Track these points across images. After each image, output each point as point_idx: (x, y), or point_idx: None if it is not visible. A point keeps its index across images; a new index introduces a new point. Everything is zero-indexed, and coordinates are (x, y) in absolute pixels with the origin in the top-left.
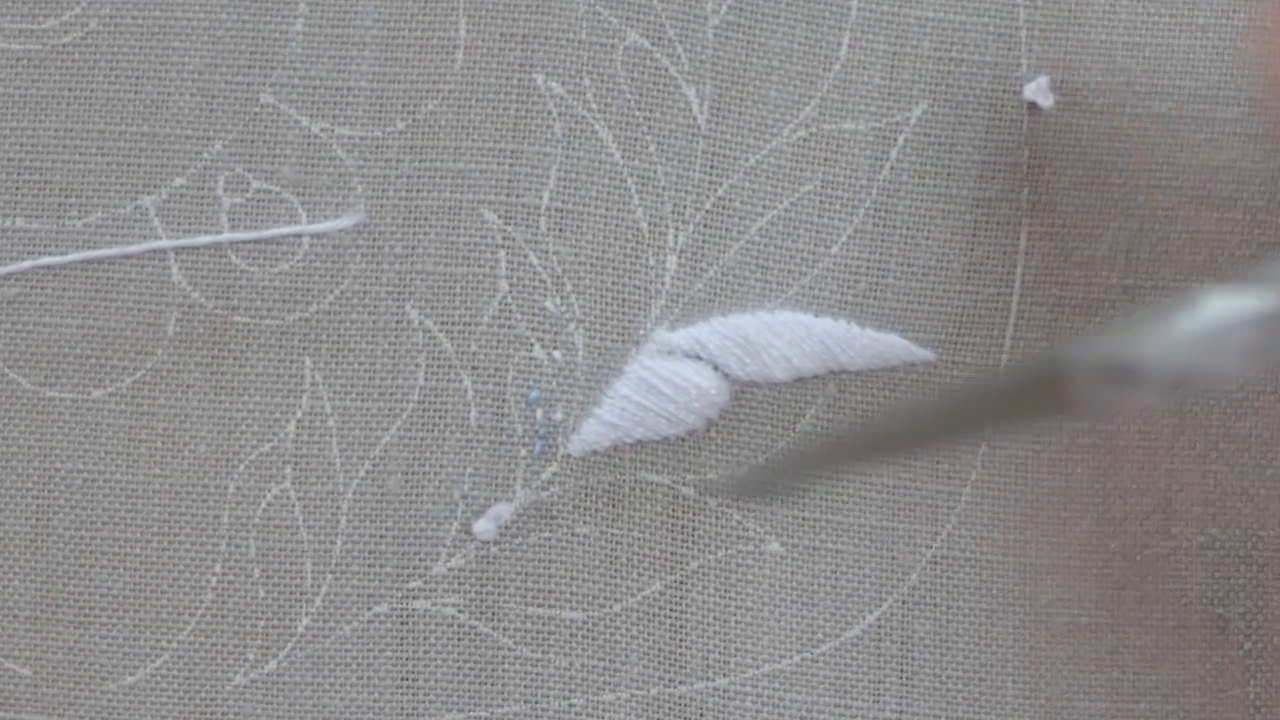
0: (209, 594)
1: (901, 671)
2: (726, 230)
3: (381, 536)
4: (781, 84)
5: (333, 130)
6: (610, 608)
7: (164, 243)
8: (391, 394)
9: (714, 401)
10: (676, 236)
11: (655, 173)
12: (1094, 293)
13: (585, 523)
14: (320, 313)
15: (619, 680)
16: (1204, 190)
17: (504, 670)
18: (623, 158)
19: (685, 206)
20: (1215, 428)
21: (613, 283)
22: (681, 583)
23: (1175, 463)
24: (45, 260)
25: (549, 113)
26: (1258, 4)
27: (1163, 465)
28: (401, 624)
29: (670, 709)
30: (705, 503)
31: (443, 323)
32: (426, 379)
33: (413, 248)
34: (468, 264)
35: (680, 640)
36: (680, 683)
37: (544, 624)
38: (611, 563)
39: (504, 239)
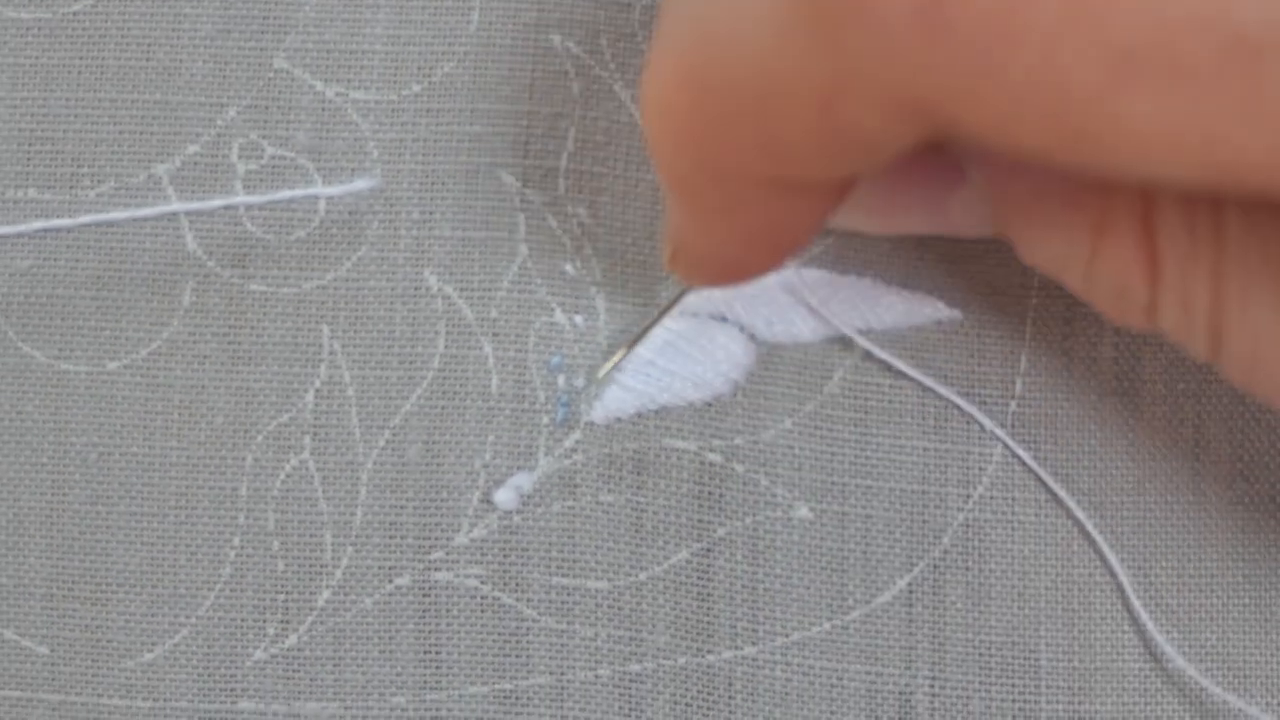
0: (227, 568)
1: (934, 637)
2: None
3: (402, 507)
4: None
5: (347, 94)
6: (636, 577)
7: (175, 205)
8: (411, 362)
9: (740, 363)
10: None
11: None
12: None
13: (609, 491)
14: (338, 280)
15: (645, 650)
16: None
17: (528, 642)
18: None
19: None
20: None
21: (633, 245)
22: (708, 550)
23: (1202, 418)
24: (55, 223)
25: (566, 73)
26: (651, 50)
27: (1190, 421)
28: (423, 596)
29: (698, 679)
30: (732, 469)
31: (462, 288)
32: (446, 346)
33: (430, 213)
34: (486, 228)
35: (708, 609)
36: (708, 652)
37: (568, 594)
38: (637, 531)
39: (522, 202)
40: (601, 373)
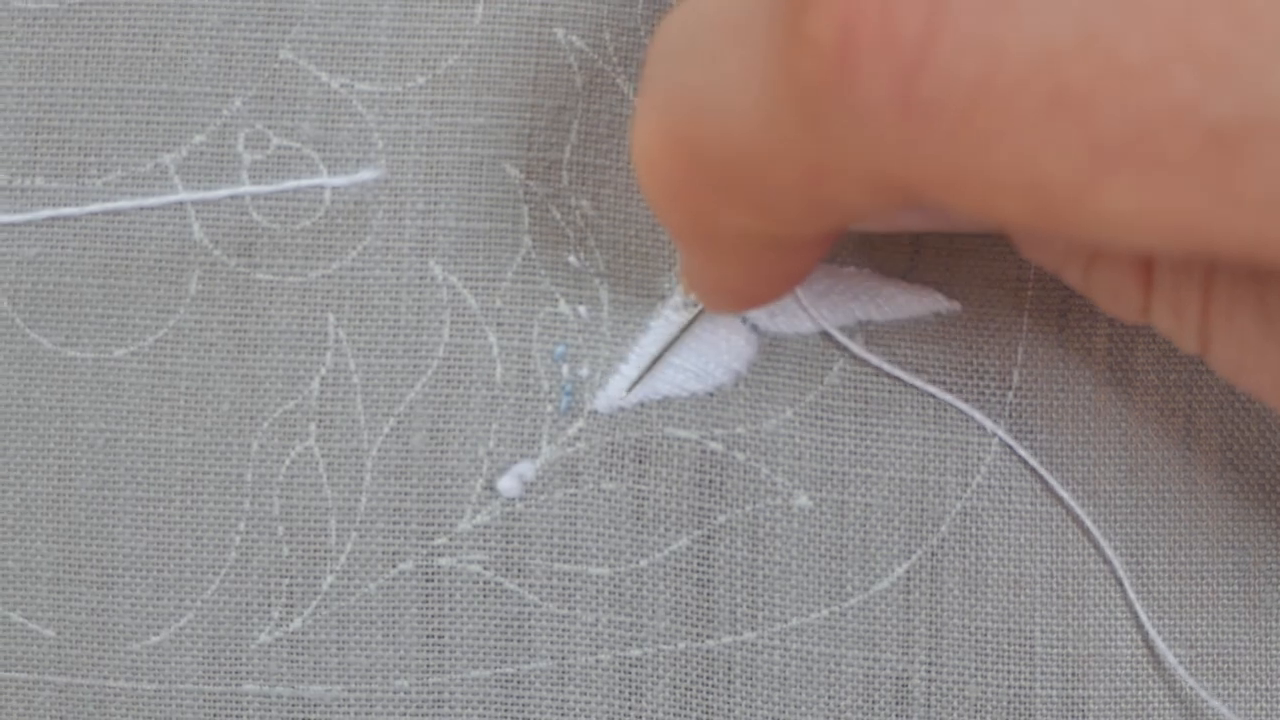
0: (233, 552)
1: (930, 624)
2: None
3: (406, 494)
4: None
5: (353, 86)
6: (637, 563)
7: (182, 195)
8: (416, 350)
9: (742, 355)
10: None
11: None
12: None
13: (611, 479)
14: (343, 269)
15: (646, 636)
16: None
17: (530, 627)
18: None
19: None
20: None
21: (636, 236)
22: (709, 537)
23: (1193, 408)
24: (63, 211)
25: (570, 66)
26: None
27: (1181, 410)
28: (426, 581)
29: (698, 663)
30: (733, 457)
31: (466, 278)
32: (451, 335)
33: (435, 203)
34: (490, 219)
35: (708, 595)
36: (708, 637)
37: (570, 580)
38: (638, 518)
39: (526, 194)
40: (629, 387)
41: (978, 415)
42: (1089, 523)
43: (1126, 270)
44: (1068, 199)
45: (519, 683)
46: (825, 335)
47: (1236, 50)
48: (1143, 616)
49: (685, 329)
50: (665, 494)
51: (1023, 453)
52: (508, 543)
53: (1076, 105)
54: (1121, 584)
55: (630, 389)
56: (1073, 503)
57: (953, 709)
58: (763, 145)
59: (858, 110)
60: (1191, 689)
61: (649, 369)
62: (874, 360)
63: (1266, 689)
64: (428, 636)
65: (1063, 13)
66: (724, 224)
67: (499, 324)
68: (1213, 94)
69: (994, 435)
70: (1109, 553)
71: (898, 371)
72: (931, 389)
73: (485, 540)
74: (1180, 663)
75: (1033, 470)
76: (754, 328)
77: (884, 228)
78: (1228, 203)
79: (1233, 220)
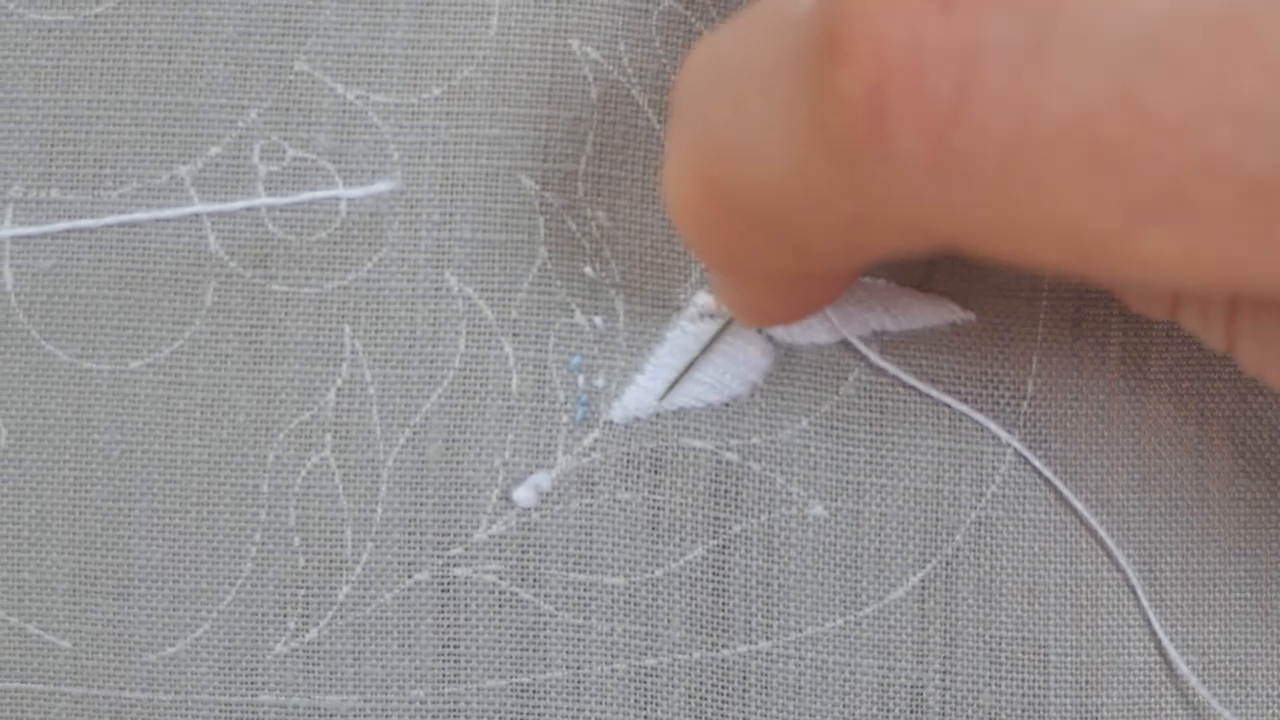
0: (249, 563)
1: (945, 633)
2: None
3: (422, 504)
4: None
5: (368, 97)
6: (652, 573)
7: (198, 207)
8: (432, 361)
9: (758, 365)
10: None
11: None
12: None
13: (627, 489)
14: (359, 280)
15: (661, 645)
16: None
17: (545, 636)
18: (659, 122)
19: None
20: (1246, 378)
21: (651, 247)
22: (724, 547)
23: (1205, 417)
24: (81, 223)
25: (585, 78)
26: (669, 141)
27: (1193, 419)
28: (442, 591)
29: (713, 673)
30: (749, 467)
31: (482, 289)
32: (467, 346)
33: (450, 215)
34: (506, 230)
35: (723, 604)
36: (723, 646)
37: (585, 590)
38: (653, 528)
39: (542, 205)
40: (660, 397)
41: (992, 425)
42: (1103, 533)
43: (1209, 311)
44: (1105, 248)
45: (534, 692)
46: (841, 345)
47: (1272, 103)
48: (1156, 624)
49: (715, 338)
50: (681, 504)
51: (1036, 463)
52: (523, 553)
53: (1113, 160)
54: (1135, 592)
55: (662, 398)
56: (1086, 512)
57: (967, 718)
58: (795, 192)
59: (891, 165)
60: (1204, 699)
61: (679, 380)
62: (892, 370)
63: (1279, 697)
64: (443, 646)
65: (1096, 68)
66: (757, 260)
67: (515, 335)
68: (1250, 146)
69: (1008, 446)
70: (1122, 562)
71: (915, 381)
72: (947, 399)
73: (501, 550)
74: (1193, 670)
75: (1046, 480)
76: (770, 339)
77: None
78: (1269, 250)
79: (1269, 268)
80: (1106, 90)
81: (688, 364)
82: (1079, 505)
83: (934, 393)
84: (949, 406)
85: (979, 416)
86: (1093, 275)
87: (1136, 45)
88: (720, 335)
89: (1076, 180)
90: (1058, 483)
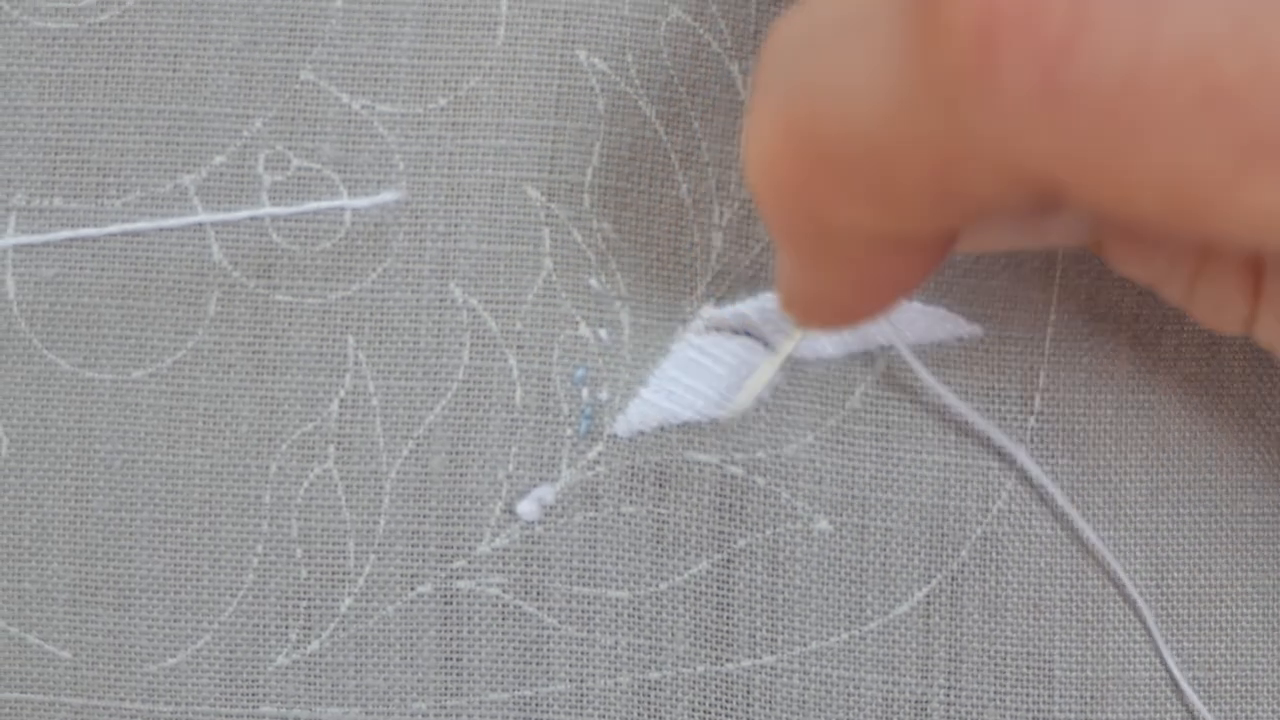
0: (250, 574)
1: (950, 648)
2: None
3: (425, 516)
4: None
5: (373, 107)
6: (656, 586)
7: (202, 216)
8: (436, 373)
9: (764, 380)
10: (721, 213)
11: (699, 149)
12: None
13: (631, 502)
14: (363, 291)
15: (665, 659)
16: None
17: (549, 650)
18: (666, 134)
19: (729, 183)
20: (1253, 394)
21: (657, 260)
22: (729, 561)
23: (1215, 432)
24: (82, 232)
25: (592, 89)
26: (749, 114)
27: (1203, 434)
28: (445, 604)
29: (717, 687)
30: (754, 481)
31: (487, 301)
32: (471, 358)
33: (455, 225)
34: (511, 242)
35: (727, 619)
36: (727, 660)
37: (589, 603)
38: (658, 542)
39: (547, 216)
40: (726, 413)
41: (999, 434)
42: (1103, 549)
43: (1234, 281)
44: (1212, 195)
45: (537, 705)
46: (848, 359)
47: None
48: (1159, 639)
49: (785, 353)
50: (685, 518)
51: (1044, 478)
52: (527, 566)
53: (1229, 100)
54: (1134, 606)
55: (737, 411)
56: (1091, 534)
57: None
58: (892, 134)
59: (997, 99)
60: (1209, 707)
61: (744, 402)
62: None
63: None
64: (446, 659)
65: (1214, 4)
66: (842, 222)
67: (519, 347)
68: None
69: (1014, 461)
70: (1122, 577)
71: (934, 382)
72: (963, 407)
73: (504, 563)
74: (1199, 685)
75: (1051, 500)
76: (775, 353)
77: (976, 249)
78: None
79: None
80: (1224, 28)
81: (756, 388)
82: (1087, 529)
83: (952, 398)
84: (958, 419)
85: (993, 430)
86: (1188, 230)
87: None
88: (786, 355)
89: (1190, 119)
90: (1063, 500)
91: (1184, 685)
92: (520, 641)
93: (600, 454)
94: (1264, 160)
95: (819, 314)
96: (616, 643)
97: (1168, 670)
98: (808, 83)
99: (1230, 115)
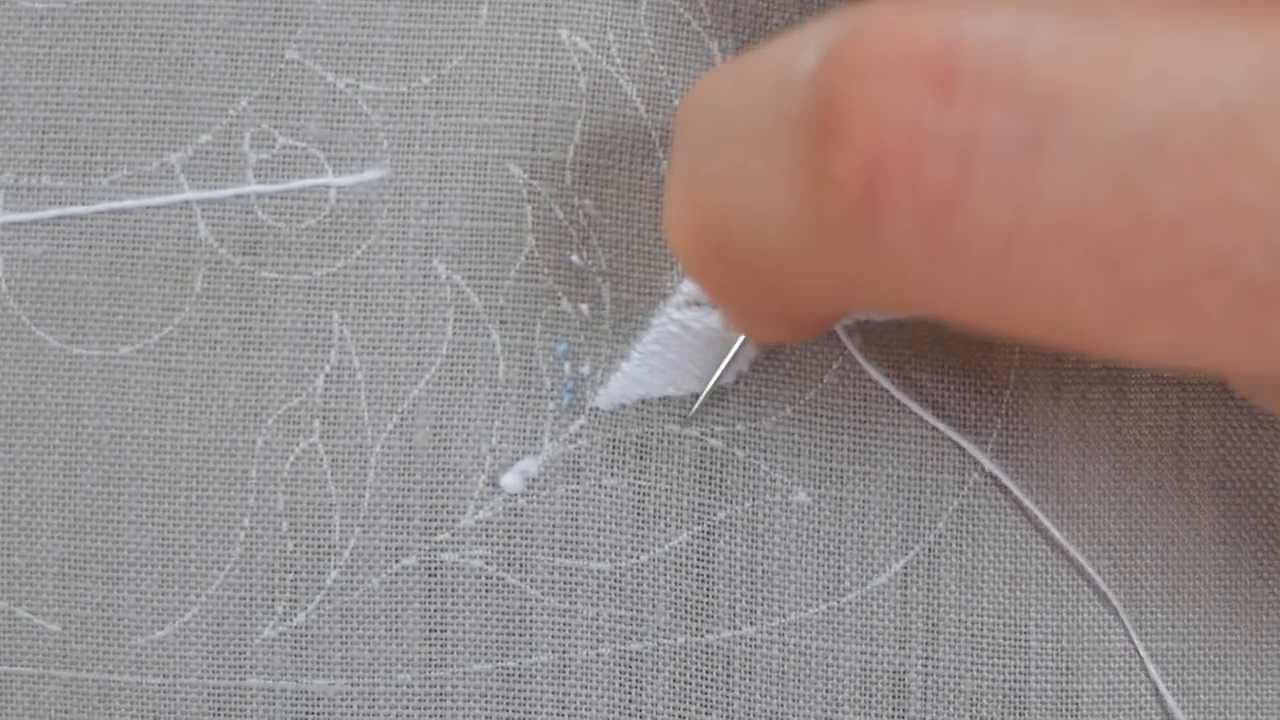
0: (237, 548)
1: (927, 619)
2: None
3: (409, 490)
4: None
5: (358, 86)
6: (637, 558)
7: (189, 194)
8: (419, 348)
9: (743, 354)
10: None
11: None
12: None
13: (613, 475)
14: (348, 268)
15: (646, 630)
16: None
17: (532, 621)
18: (647, 112)
19: None
20: (1221, 388)
21: (638, 236)
22: (709, 533)
23: (1186, 405)
24: (71, 210)
25: (573, 68)
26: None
27: (1174, 408)
28: (429, 576)
29: (697, 657)
30: (733, 454)
31: (470, 277)
32: (454, 333)
33: (439, 203)
34: (494, 219)
35: (707, 590)
36: (707, 631)
37: (571, 575)
38: (639, 514)
39: (530, 193)
40: (693, 411)
41: (964, 441)
42: (1065, 542)
43: None
44: (1101, 337)
45: (520, 676)
46: (825, 334)
47: (1270, 206)
48: (1127, 621)
49: (731, 356)
50: (666, 490)
51: (1006, 479)
52: (510, 538)
53: (1110, 256)
54: (1100, 589)
55: (694, 410)
56: (1055, 530)
57: (949, 703)
58: (787, 255)
59: (883, 248)
60: (1181, 677)
61: (710, 388)
62: (874, 373)
63: (1256, 681)
64: (430, 631)
65: (1094, 163)
66: (752, 303)
67: (502, 322)
68: (1246, 249)
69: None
70: (1080, 560)
71: (891, 386)
72: (917, 408)
73: (488, 536)
74: (1172, 657)
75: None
76: None
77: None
78: (1265, 347)
79: (1263, 363)
80: (1105, 187)
81: (715, 377)
82: (1051, 525)
83: (907, 400)
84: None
85: (948, 429)
86: (1085, 356)
87: (1136, 142)
88: (734, 357)
89: (1073, 273)
90: (1025, 500)
91: (1153, 671)
92: (504, 613)
93: (582, 427)
94: (1148, 312)
95: (755, 339)
96: (598, 614)
97: (1140, 638)
98: (713, 181)
99: (1113, 272)
